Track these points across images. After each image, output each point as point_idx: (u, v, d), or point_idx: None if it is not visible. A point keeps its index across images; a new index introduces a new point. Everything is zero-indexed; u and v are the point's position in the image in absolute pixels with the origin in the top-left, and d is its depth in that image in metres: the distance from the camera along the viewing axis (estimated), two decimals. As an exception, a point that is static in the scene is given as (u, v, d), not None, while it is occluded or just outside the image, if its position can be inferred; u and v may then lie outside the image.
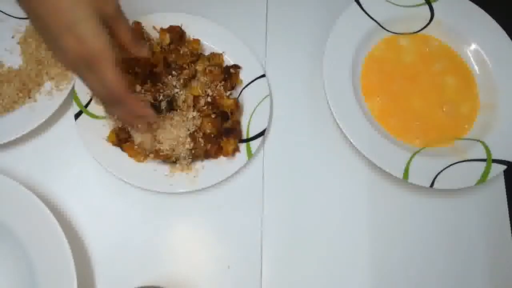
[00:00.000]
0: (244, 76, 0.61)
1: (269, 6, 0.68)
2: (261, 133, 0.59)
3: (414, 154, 0.59)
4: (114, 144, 0.55)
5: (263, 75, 0.61)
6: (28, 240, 0.51)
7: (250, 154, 0.57)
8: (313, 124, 0.63)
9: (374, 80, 0.64)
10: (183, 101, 0.57)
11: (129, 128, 0.56)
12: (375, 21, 0.66)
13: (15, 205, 0.51)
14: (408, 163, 0.58)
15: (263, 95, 0.60)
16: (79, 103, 0.56)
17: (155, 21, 0.62)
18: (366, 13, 0.65)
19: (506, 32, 0.66)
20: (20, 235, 0.51)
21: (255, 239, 0.57)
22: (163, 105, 0.56)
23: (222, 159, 0.57)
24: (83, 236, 0.55)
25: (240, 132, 0.58)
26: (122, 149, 0.55)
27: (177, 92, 0.57)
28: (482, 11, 0.67)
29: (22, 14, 0.60)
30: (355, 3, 0.65)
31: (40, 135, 0.58)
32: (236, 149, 0.57)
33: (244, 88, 0.61)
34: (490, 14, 0.67)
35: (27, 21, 0.60)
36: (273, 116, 0.62)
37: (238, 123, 0.59)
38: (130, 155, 0.55)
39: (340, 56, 0.63)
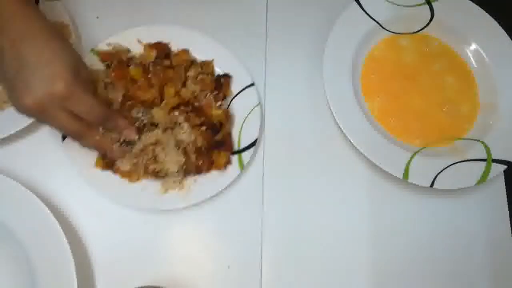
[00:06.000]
0: (233, 85, 0.60)
1: (269, 6, 0.68)
2: (253, 144, 0.58)
3: (414, 154, 0.59)
4: (103, 169, 0.54)
5: (252, 84, 0.60)
6: (28, 240, 0.51)
7: (242, 166, 0.56)
8: (313, 124, 0.63)
9: (374, 80, 0.64)
10: (168, 112, 0.56)
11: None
12: (375, 21, 0.66)
13: (15, 205, 0.51)
14: (408, 163, 0.58)
15: (253, 105, 0.59)
16: None
17: (139, 34, 0.61)
18: (366, 13, 0.65)
19: (506, 32, 0.66)
20: (20, 235, 0.51)
21: (255, 239, 0.57)
22: (141, 121, 0.55)
23: (214, 172, 0.56)
24: (83, 236, 0.55)
25: (231, 144, 0.57)
26: (113, 172, 0.54)
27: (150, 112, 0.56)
28: (482, 11, 0.67)
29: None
30: (355, 3, 0.65)
31: (40, 135, 0.58)
32: (228, 162, 0.56)
33: (233, 98, 0.60)
34: (490, 14, 0.67)
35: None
36: (272, 116, 0.62)
37: (229, 134, 0.58)
38: (122, 176, 0.54)
39: (340, 56, 0.63)
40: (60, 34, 0.50)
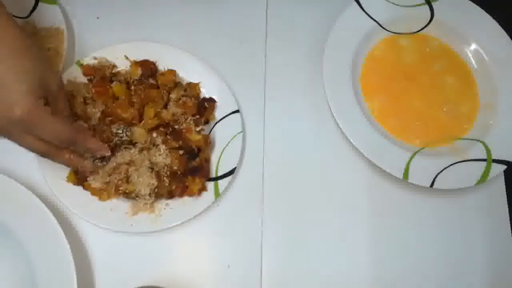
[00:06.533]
0: (218, 111, 0.59)
1: (269, 6, 0.68)
2: (231, 172, 0.56)
3: (414, 154, 0.59)
4: (75, 184, 0.54)
5: (237, 111, 0.59)
6: (28, 240, 0.51)
7: (217, 194, 0.55)
8: (313, 124, 0.63)
9: (374, 80, 0.64)
10: (145, 133, 0.55)
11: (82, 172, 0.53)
12: (375, 21, 0.66)
13: (15, 205, 0.51)
14: (408, 163, 0.58)
15: (236, 132, 0.58)
16: None
17: (128, 50, 0.60)
18: (366, 13, 0.65)
19: (506, 32, 0.66)
20: (20, 235, 0.51)
21: (255, 239, 0.57)
22: (120, 138, 0.54)
23: (187, 198, 0.55)
24: (83, 236, 0.55)
25: (208, 170, 0.56)
26: (84, 188, 0.54)
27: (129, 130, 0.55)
28: (482, 11, 0.67)
29: (19, 13, 0.60)
30: (355, 3, 0.65)
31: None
32: (203, 189, 0.55)
33: (216, 123, 0.59)
34: (490, 14, 0.67)
35: (23, 20, 0.60)
36: (272, 116, 0.62)
37: (207, 161, 0.56)
38: (92, 194, 0.54)
39: (340, 56, 0.63)
40: (25, 46, 0.45)
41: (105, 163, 0.54)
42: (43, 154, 0.48)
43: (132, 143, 0.55)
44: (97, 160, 0.53)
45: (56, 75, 0.49)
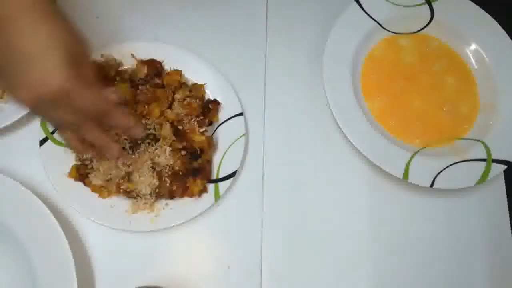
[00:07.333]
0: (222, 112, 0.59)
1: (269, 6, 0.68)
2: (232, 175, 0.56)
3: (414, 154, 0.59)
4: (76, 180, 0.54)
5: (241, 114, 0.59)
6: (28, 240, 0.51)
7: (218, 195, 0.55)
8: (313, 124, 0.63)
9: (374, 80, 0.64)
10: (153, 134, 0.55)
11: (92, 165, 0.53)
12: (375, 21, 0.66)
13: (15, 205, 0.51)
14: (408, 163, 0.58)
15: (239, 134, 0.58)
16: (45, 129, 0.54)
17: (134, 49, 0.60)
18: (366, 13, 0.65)
19: (506, 32, 0.66)
20: (20, 235, 0.51)
21: (255, 239, 0.57)
22: (148, 129, 0.54)
23: (187, 198, 0.55)
24: (83, 236, 0.55)
25: (209, 172, 0.56)
26: (85, 184, 0.54)
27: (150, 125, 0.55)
28: (482, 11, 0.67)
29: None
30: (355, 3, 0.65)
31: (41, 135, 0.57)
32: (203, 190, 0.55)
33: (220, 125, 0.59)
34: (490, 14, 0.67)
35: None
36: (272, 116, 0.62)
37: (209, 162, 0.56)
38: (92, 190, 0.53)
39: (340, 56, 0.63)
40: (54, 9, 0.41)
41: (132, 152, 0.54)
42: (73, 126, 0.45)
43: (156, 138, 0.55)
44: (129, 143, 0.53)
45: (87, 43, 0.45)
